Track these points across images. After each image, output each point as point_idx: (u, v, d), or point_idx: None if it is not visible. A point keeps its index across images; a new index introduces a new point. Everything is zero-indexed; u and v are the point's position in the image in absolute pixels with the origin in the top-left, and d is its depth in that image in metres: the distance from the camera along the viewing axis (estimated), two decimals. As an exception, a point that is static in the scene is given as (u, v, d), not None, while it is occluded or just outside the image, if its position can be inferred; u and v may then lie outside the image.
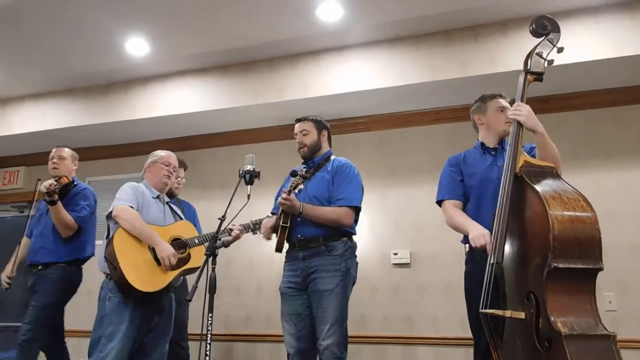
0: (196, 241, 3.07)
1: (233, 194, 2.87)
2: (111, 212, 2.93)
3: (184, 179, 3.90)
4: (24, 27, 3.96)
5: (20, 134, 5.02)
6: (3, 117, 5.16)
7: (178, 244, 3.00)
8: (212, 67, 4.58)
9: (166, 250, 2.85)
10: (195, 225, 3.39)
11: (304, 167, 3.07)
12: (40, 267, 3.61)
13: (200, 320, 2.44)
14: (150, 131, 4.98)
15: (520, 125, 2.38)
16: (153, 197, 3.12)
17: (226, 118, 4.69)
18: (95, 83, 4.89)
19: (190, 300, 2.48)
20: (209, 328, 2.46)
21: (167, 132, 5.05)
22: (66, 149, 3.90)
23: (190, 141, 5.15)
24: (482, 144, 2.85)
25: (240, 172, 2.82)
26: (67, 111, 4.96)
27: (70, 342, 3.84)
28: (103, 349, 2.75)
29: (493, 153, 2.80)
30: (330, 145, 3.29)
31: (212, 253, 2.59)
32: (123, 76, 4.75)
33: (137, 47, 4.24)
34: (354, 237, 3.07)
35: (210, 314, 2.47)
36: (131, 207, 2.92)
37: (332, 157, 3.20)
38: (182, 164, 3.75)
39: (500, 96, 2.86)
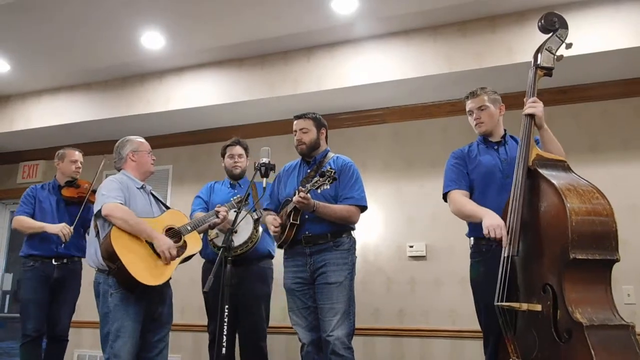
0: (189, 228, 3.05)
1: (249, 187, 2.90)
2: (100, 210, 2.82)
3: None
4: (40, 22, 4.00)
5: (39, 128, 5.08)
6: (22, 111, 5.22)
7: (172, 233, 2.97)
8: (227, 60, 4.59)
9: (165, 244, 2.80)
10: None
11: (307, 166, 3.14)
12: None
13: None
14: (166, 124, 5.01)
15: (532, 119, 2.42)
16: (138, 188, 3.05)
17: (241, 111, 4.70)
18: (112, 77, 4.93)
19: (206, 291, 2.51)
20: (225, 320, 2.49)
21: (183, 126, 5.08)
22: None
23: (206, 134, 5.17)
24: (485, 138, 2.86)
25: (256, 164, 2.85)
26: (84, 105, 5.00)
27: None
28: (113, 345, 2.76)
29: (496, 147, 2.81)
30: (327, 143, 3.29)
31: (228, 246, 2.61)
32: (139, 70, 4.78)
33: (152, 40, 4.26)
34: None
35: (226, 306, 2.49)
36: (121, 203, 2.83)
37: (331, 155, 3.22)
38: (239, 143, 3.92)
39: (467, 97, 2.89)
